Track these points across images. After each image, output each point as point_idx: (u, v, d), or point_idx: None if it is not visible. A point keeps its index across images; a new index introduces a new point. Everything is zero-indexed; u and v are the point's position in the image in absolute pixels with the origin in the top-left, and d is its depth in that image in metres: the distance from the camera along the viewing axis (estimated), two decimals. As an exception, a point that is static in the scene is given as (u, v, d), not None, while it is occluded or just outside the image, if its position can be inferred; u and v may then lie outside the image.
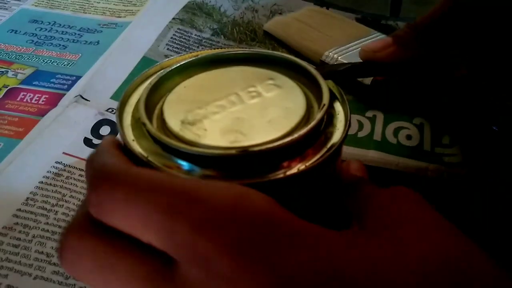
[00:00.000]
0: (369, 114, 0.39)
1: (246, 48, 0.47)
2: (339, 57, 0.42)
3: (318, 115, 0.21)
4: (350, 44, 0.44)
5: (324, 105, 0.21)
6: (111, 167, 0.18)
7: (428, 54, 0.32)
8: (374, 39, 0.44)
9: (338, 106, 0.23)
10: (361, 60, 0.35)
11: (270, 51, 0.26)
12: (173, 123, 0.22)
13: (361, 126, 0.38)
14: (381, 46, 0.33)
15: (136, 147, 0.21)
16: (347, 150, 0.36)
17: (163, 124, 0.22)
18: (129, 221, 0.17)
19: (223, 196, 0.17)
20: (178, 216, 0.16)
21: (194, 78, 0.24)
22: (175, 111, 0.23)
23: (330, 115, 0.22)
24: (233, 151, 0.20)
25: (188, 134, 0.22)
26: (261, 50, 0.26)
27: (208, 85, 0.24)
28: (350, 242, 0.17)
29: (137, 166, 0.19)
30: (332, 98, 0.23)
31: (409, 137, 0.38)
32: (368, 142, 0.37)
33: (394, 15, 0.53)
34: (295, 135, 0.20)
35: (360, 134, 0.38)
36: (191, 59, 0.25)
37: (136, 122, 0.22)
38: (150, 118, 0.22)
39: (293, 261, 0.16)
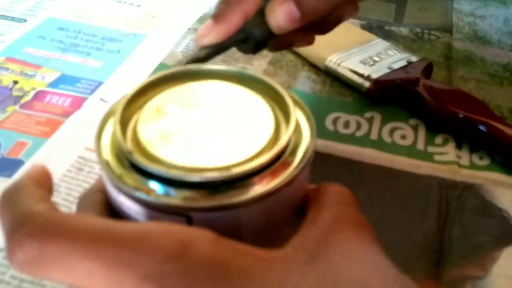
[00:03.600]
0: (368, 115, 0.42)
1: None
2: (341, 62, 0.45)
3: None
4: (352, 50, 0.46)
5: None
6: (37, 214, 0.18)
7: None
8: (372, 44, 0.47)
9: (306, 137, 0.24)
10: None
11: (258, 75, 0.26)
12: (151, 104, 0.25)
13: (359, 126, 0.41)
14: (206, 31, 0.31)
15: (113, 166, 0.22)
16: (344, 148, 0.39)
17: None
18: (71, 276, 0.17)
19: (167, 244, 0.17)
20: (124, 268, 0.16)
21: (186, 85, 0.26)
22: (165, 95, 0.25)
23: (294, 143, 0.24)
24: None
25: (146, 114, 0.24)
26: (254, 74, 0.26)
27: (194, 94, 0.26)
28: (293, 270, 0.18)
29: (68, 213, 0.19)
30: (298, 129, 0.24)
31: (403, 137, 0.40)
32: (365, 141, 0.40)
33: (398, 21, 0.55)
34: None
35: (358, 134, 0.40)
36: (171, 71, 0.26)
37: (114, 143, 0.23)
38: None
39: None
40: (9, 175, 0.36)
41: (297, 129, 0.24)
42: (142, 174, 0.22)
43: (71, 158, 0.38)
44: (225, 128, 0.24)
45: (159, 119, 0.24)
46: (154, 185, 0.22)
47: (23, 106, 0.43)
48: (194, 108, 0.25)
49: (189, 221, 0.22)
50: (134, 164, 0.22)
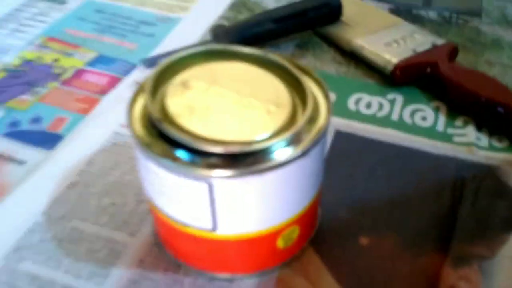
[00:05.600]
0: (390, 97, 0.43)
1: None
2: (366, 45, 0.46)
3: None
4: (378, 33, 0.47)
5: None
6: None
7: None
8: (399, 27, 0.48)
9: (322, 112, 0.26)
10: None
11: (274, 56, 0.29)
12: (177, 80, 0.27)
13: (381, 107, 0.42)
14: None
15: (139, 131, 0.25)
16: (365, 127, 0.40)
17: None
18: None
19: None
20: None
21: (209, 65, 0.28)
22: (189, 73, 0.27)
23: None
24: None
25: (173, 88, 0.26)
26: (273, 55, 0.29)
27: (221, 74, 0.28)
28: None
29: None
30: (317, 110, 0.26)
31: (424, 118, 0.41)
32: (386, 121, 0.41)
33: (426, 4, 0.55)
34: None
35: (379, 114, 0.41)
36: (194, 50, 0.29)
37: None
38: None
39: None
40: (50, 148, 0.39)
41: (315, 107, 0.26)
42: (169, 143, 0.24)
43: (107, 133, 0.41)
44: (245, 105, 0.26)
45: (185, 93, 0.27)
46: (179, 153, 0.24)
47: (63, 83, 0.45)
48: (218, 85, 0.27)
49: (210, 187, 0.24)
50: (162, 134, 0.25)
